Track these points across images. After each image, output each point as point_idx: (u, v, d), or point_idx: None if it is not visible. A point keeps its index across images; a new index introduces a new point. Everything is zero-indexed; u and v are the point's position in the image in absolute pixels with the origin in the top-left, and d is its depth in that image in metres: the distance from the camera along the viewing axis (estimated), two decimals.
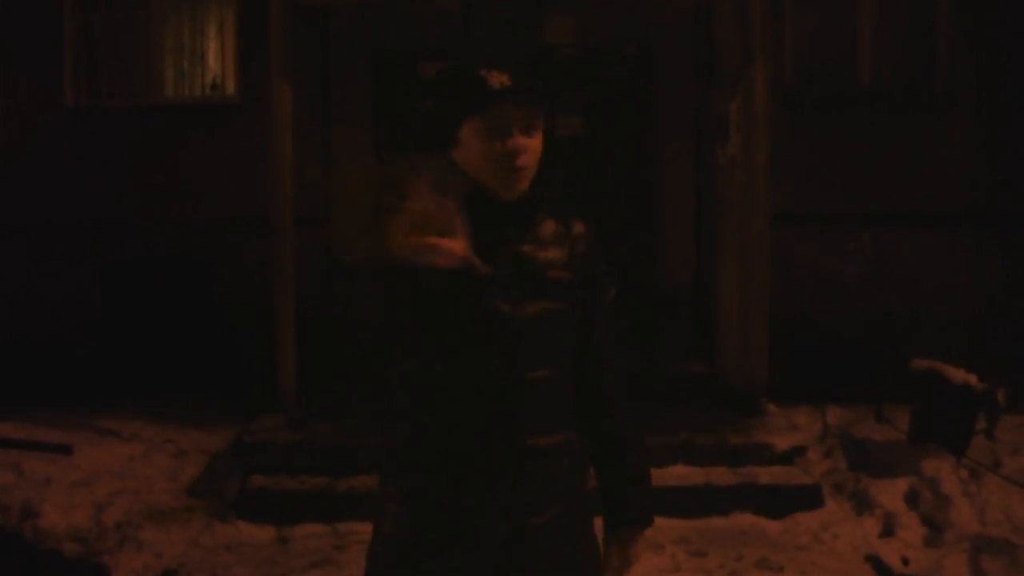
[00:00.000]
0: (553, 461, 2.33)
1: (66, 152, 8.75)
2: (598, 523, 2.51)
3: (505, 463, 2.27)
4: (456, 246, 2.06)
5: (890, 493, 6.06)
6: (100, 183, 8.69)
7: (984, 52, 8.54)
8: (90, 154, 8.73)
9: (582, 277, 2.39)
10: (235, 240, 8.60)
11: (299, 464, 6.35)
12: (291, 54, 7.09)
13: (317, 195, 8.03)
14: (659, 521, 5.70)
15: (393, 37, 8.68)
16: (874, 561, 5.48)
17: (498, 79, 2.24)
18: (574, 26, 8.75)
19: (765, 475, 6.24)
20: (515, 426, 2.28)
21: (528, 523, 2.29)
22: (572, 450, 2.38)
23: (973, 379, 6.46)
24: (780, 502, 6.04)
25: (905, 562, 5.46)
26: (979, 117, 8.55)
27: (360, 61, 8.71)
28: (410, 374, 2.32)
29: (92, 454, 6.82)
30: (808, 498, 6.09)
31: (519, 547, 2.29)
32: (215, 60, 9.04)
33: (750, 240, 7.11)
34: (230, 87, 8.97)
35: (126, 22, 8.95)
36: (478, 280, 2.21)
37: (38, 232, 8.80)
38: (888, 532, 5.76)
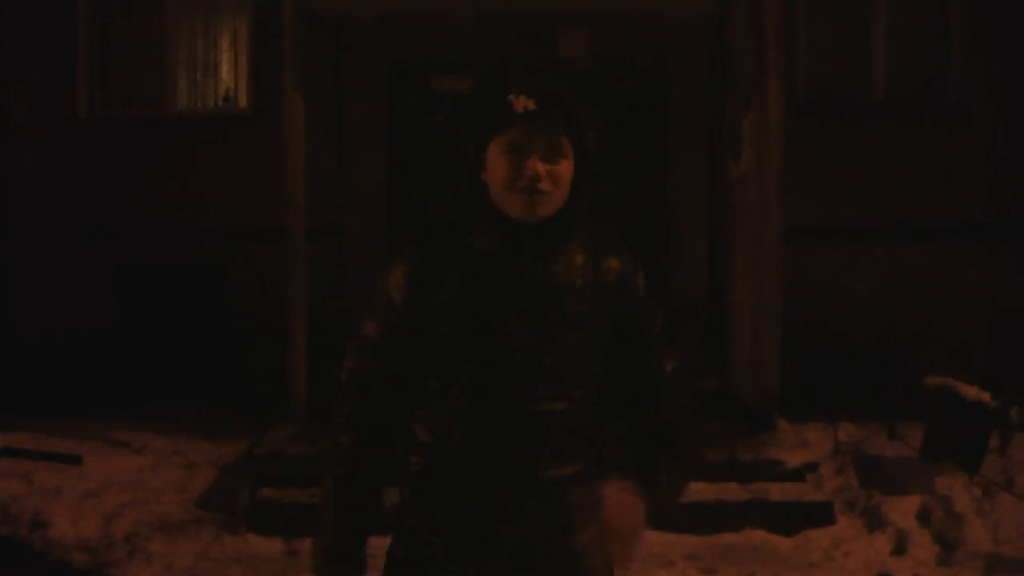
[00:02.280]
0: (568, 491, 2.31)
1: (80, 162, 8.79)
2: None
3: (520, 494, 2.27)
4: None
5: (902, 510, 6.02)
6: (114, 193, 8.73)
7: (997, 63, 8.51)
8: (104, 164, 8.76)
9: (609, 312, 2.35)
10: (247, 249, 8.62)
11: (309, 476, 6.32)
12: (304, 66, 7.10)
13: (330, 205, 8.04)
14: (670, 537, 5.75)
15: (407, 49, 8.69)
16: None
17: (523, 103, 2.24)
18: (588, 39, 8.75)
19: (777, 491, 6.20)
20: (529, 458, 2.27)
21: (543, 551, 2.29)
22: (587, 480, 2.36)
23: (986, 396, 6.43)
24: (792, 519, 6.00)
25: None
26: (992, 128, 8.51)
27: (373, 72, 8.72)
28: (428, 399, 2.33)
29: (102, 465, 6.82)
30: (820, 515, 6.05)
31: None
32: (228, 72, 9.07)
33: (763, 254, 7.07)
34: (243, 98, 9.00)
35: (140, 34, 9.00)
36: (489, 309, 2.23)
37: (52, 241, 8.84)
38: (900, 550, 5.72)
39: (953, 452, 6.44)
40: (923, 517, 5.96)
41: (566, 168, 2.28)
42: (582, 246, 2.36)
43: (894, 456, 6.87)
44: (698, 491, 6.19)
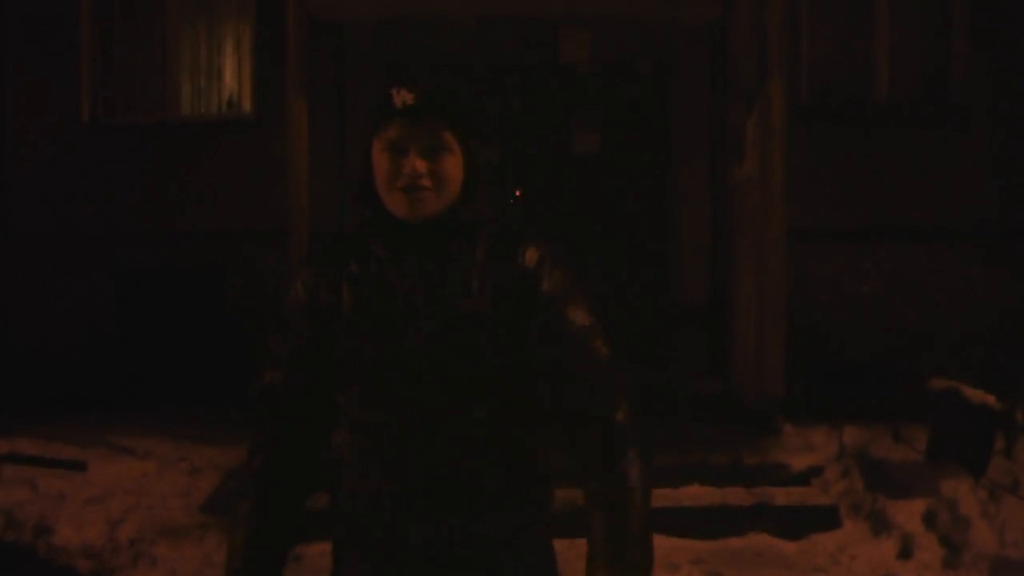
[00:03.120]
0: (499, 505, 2.20)
1: (82, 166, 8.80)
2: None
3: (444, 507, 2.17)
4: None
5: (908, 513, 6.00)
6: (115, 196, 8.74)
7: (999, 67, 8.53)
8: (106, 168, 8.77)
9: (517, 309, 2.17)
10: (249, 253, 8.62)
11: None
12: (307, 70, 7.10)
13: (331, 208, 8.03)
14: (674, 542, 5.74)
15: (408, 53, 8.68)
16: None
17: (402, 97, 2.15)
18: (590, 43, 8.75)
19: (781, 495, 6.20)
20: (447, 467, 2.16)
21: (478, 559, 2.20)
22: (521, 495, 2.24)
23: (991, 399, 6.42)
24: (797, 522, 5.98)
25: None
26: (994, 132, 8.53)
27: (374, 76, 8.71)
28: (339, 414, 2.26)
29: (106, 470, 6.81)
30: (825, 518, 6.04)
31: None
32: (232, 76, 9.07)
33: (766, 257, 7.07)
34: (246, 103, 9.01)
35: (143, 39, 9.02)
36: (379, 314, 2.17)
37: (54, 244, 8.84)
38: (906, 553, 5.70)
39: (959, 455, 6.43)
40: (929, 520, 5.94)
41: (451, 165, 2.17)
42: (483, 244, 2.23)
43: (899, 459, 6.86)
44: (702, 495, 6.20)
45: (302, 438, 2.29)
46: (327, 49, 8.41)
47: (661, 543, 5.70)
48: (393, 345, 2.17)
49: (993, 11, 8.52)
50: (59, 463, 6.82)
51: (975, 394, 6.45)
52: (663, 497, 6.10)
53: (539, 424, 2.26)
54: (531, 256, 2.22)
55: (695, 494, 6.20)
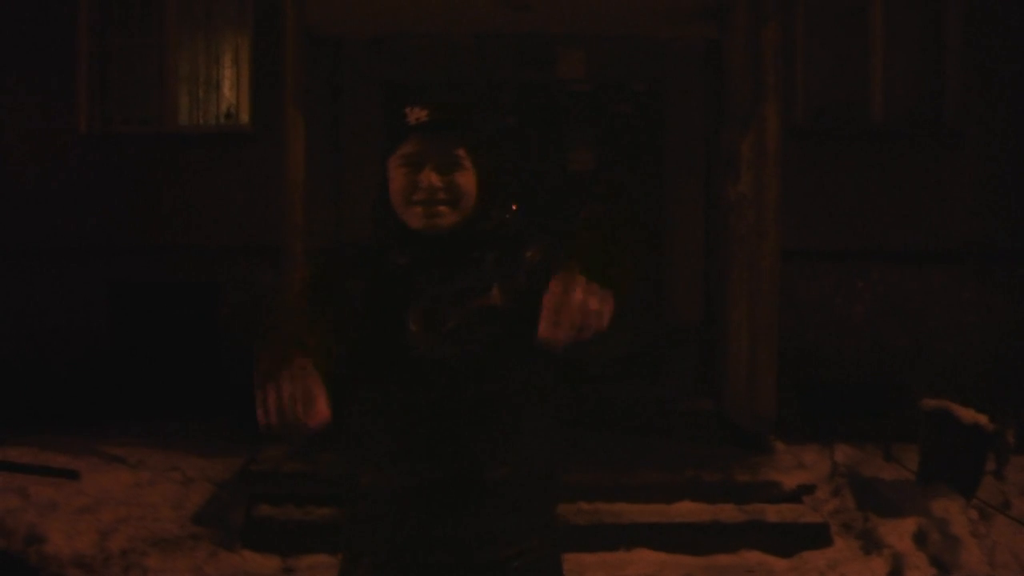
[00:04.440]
0: (512, 494, 2.26)
1: (78, 177, 8.80)
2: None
3: (458, 497, 2.22)
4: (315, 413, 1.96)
5: (899, 533, 6.03)
6: (111, 208, 8.74)
7: (992, 90, 8.58)
8: (102, 180, 8.78)
9: (532, 299, 2.07)
10: (245, 268, 8.62)
11: (305, 494, 6.32)
12: (304, 84, 7.12)
13: (327, 223, 8.04)
14: (665, 557, 5.77)
15: (404, 69, 8.72)
16: None
17: (416, 115, 2.25)
18: (586, 61, 8.79)
19: (773, 513, 6.21)
20: (466, 460, 2.22)
21: (489, 560, 2.25)
22: (533, 483, 2.31)
23: (983, 419, 6.45)
24: (788, 540, 6.00)
25: None
26: (987, 153, 8.59)
27: (371, 92, 8.74)
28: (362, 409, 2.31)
29: (98, 480, 6.80)
30: (816, 537, 6.05)
31: None
32: (230, 89, 9.10)
33: (760, 277, 7.10)
34: (244, 115, 9.03)
35: (141, 50, 9.04)
36: (391, 321, 2.22)
37: (49, 255, 8.83)
38: (896, 572, 5.71)
39: (950, 475, 6.46)
40: (920, 539, 5.97)
41: (465, 180, 2.26)
42: (498, 253, 2.31)
43: (891, 478, 6.88)
44: (694, 512, 6.21)
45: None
46: (324, 64, 8.44)
47: (652, 558, 5.76)
48: (415, 346, 2.23)
49: (986, 34, 8.59)
50: (51, 471, 6.81)
51: (966, 414, 6.48)
52: (655, 513, 6.13)
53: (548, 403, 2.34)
54: (534, 253, 2.31)
55: (687, 510, 6.21)
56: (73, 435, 7.71)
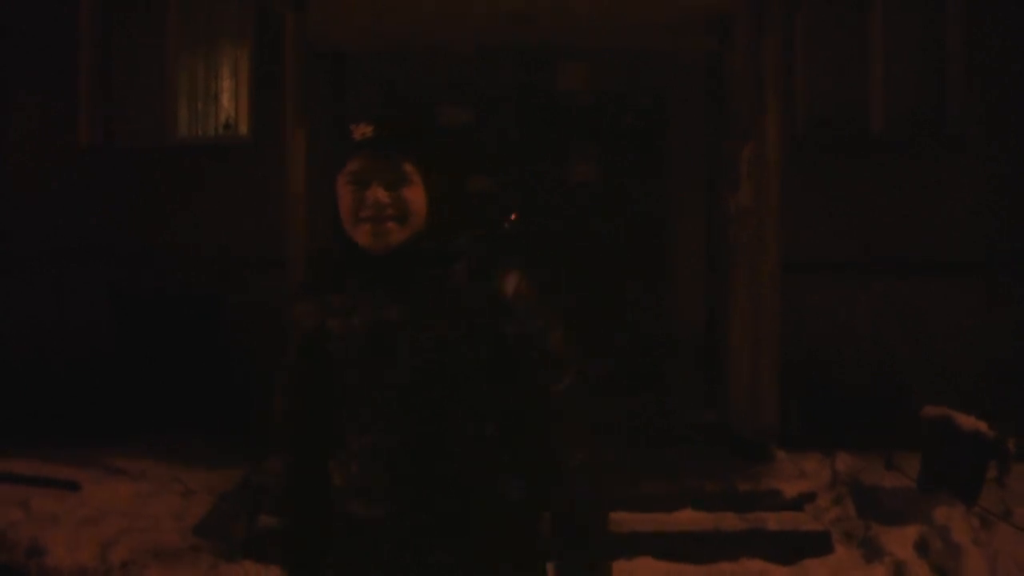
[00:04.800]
0: (489, 521, 2.24)
1: (80, 189, 8.84)
2: None
3: (436, 525, 2.22)
4: None
5: (900, 541, 6.01)
6: (113, 219, 8.77)
7: (994, 99, 8.59)
8: (103, 191, 8.81)
9: (489, 334, 2.20)
10: (247, 278, 8.64)
11: None
12: (304, 98, 7.14)
13: (329, 234, 8.05)
14: (667, 566, 5.74)
15: (407, 82, 8.74)
16: None
17: (361, 131, 2.23)
18: (588, 73, 8.82)
19: (774, 521, 6.19)
20: (417, 495, 2.21)
21: None
22: (511, 508, 2.27)
23: (984, 426, 6.43)
24: (789, 548, 5.98)
25: None
26: (989, 163, 8.58)
27: (374, 103, 8.76)
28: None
29: (100, 492, 6.81)
30: (817, 545, 6.03)
31: None
32: (229, 100, 9.14)
33: (761, 288, 7.09)
34: (243, 127, 9.06)
35: (141, 62, 9.08)
36: (354, 346, 2.24)
37: (51, 267, 8.87)
38: None
39: (951, 483, 6.44)
40: (921, 548, 5.95)
41: (413, 195, 2.22)
42: (455, 271, 2.25)
43: (892, 486, 6.87)
44: (695, 520, 6.20)
45: (324, 455, 2.38)
46: (326, 75, 8.46)
47: (654, 567, 5.74)
48: (379, 371, 2.21)
49: (987, 43, 8.60)
50: (53, 483, 6.82)
51: (968, 421, 6.47)
52: (656, 522, 6.11)
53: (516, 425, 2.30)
54: (506, 284, 2.24)
55: (688, 519, 6.20)
56: (75, 446, 7.72)
